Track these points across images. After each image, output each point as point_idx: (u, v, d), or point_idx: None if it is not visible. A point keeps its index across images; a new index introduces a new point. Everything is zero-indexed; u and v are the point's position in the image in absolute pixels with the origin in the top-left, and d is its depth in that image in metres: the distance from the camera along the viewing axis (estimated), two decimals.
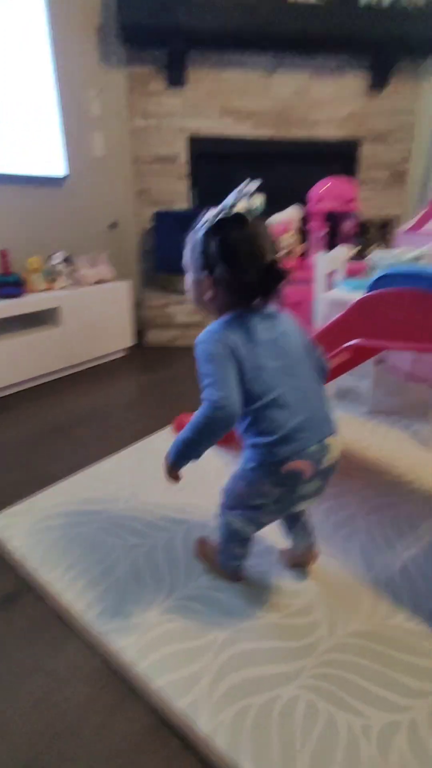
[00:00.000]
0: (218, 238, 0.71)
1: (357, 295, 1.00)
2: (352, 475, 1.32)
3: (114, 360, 2.39)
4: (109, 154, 2.53)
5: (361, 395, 1.73)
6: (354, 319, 0.96)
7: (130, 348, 2.49)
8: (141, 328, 2.61)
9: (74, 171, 2.34)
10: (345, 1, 2.32)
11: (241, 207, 0.70)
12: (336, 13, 2.27)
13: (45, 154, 2.16)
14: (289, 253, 2.31)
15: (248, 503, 0.81)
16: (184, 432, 0.73)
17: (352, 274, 1.86)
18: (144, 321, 2.57)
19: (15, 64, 1.95)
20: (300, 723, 0.69)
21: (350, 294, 1.52)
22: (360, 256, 2.33)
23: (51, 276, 2.09)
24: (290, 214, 2.32)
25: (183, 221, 2.74)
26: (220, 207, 0.72)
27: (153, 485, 1.30)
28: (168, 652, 0.81)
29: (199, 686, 0.75)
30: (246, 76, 2.55)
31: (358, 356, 1.19)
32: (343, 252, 1.86)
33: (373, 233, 2.63)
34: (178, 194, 2.73)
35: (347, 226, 2.35)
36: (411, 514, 1.15)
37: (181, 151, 2.65)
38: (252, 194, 0.71)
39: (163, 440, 1.54)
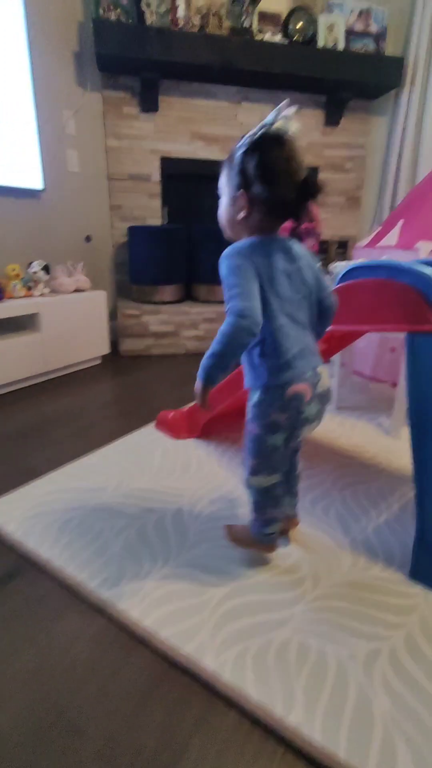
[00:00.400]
0: (257, 156, 0.74)
1: None
2: (326, 459, 1.43)
3: (90, 367, 2.43)
4: (85, 171, 2.64)
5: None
6: None
7: (106, 356, 2.54)
8: (115, 337, 2.67)
9: (51, 185, 2.42)
10: (305, 44, 2.59)
11: (280, 125, 0.74)
12: (297, 54, 2.52)
13: (23, 168, 2.23)
14: None
15: (265, 446, 0.86)
16: (212, 347, 0.76)
17: None
18: (118, 330, 2.64)
19: None
20: (294, 657, 0.77)
21: None
22: (321, 270, 2.52)
23: (30, 283, 2.14)
24: None
25: (155, 236, 2.87)
26: (259, 125, 0.74)
27: (139, 475, 1.36)
28: (169, 610, 0.87)
29: (201, 635, 0.81)
30: (214, 104, 2.75)
31: (335, 344, 1.32)
32: None
33: (333, 250, 2.86)
34: (150, 210, 2.85)
35: (309, 243, 2.54)
36: (381, 488, 1.27)
37: (153, 170, 2.80)
38: (290, 117, 0.74)
39: (144, 437, 1.60)
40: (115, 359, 2.59)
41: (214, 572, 0.97)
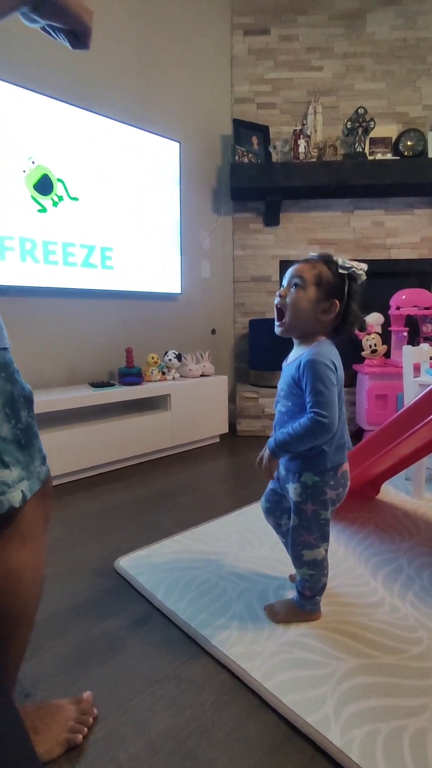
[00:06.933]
0: (353, 283, 0.93)
1: None
2: None
3: (210, 444, 2.63)
4: (214, 276, 3.10)
5: None
6: None
7: (224, 435, 2.72)
8: (233, 419, 2.86)
9: (186, 289, 2.88)
10: (414, 156, 2.85)
11: (362, 276, 0.94)
12: (407, 166, 2.78)
13: (167, 277, 2.72)
14: (373, 351, 2.53)
15: (320, 520, 0.96)
16: (292, 431, 0.89)
17: None
18: (236, 412, 2.83)
19: (155, 215, 2.61)
20: None
21: None
22: None
23: (164, 369, 2.48)
24: (372, 318, 2.59)
25: (272, 328, 3.11)
26: (353, 265, 0.93)
27: (258, 544, 1.40)
28: (292, 676, 0.87)
29: (326, 707, 0.80)
30: (330, 215, 3.09)
31: None
32: (426, 347, 2.04)
33: None
34: (268, 306, 3.17)
35: (427, 328, 2.55)
36: None
37: (272, 272, 3.16)
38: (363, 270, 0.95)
39: (261, 510, 1.65)
40: (233, 438, 2.75)
41: (335, 646, 0.95)
